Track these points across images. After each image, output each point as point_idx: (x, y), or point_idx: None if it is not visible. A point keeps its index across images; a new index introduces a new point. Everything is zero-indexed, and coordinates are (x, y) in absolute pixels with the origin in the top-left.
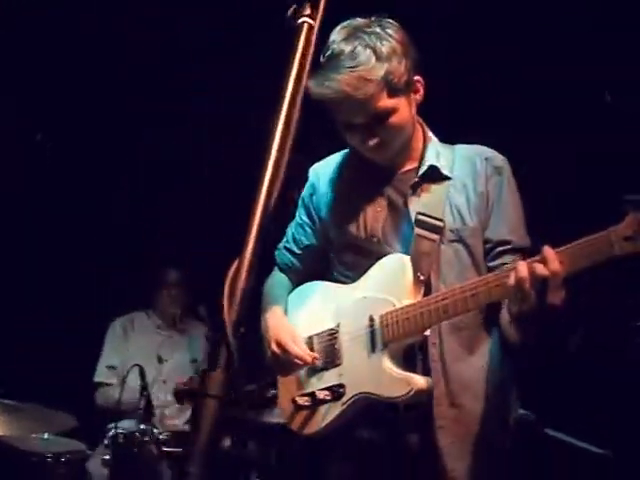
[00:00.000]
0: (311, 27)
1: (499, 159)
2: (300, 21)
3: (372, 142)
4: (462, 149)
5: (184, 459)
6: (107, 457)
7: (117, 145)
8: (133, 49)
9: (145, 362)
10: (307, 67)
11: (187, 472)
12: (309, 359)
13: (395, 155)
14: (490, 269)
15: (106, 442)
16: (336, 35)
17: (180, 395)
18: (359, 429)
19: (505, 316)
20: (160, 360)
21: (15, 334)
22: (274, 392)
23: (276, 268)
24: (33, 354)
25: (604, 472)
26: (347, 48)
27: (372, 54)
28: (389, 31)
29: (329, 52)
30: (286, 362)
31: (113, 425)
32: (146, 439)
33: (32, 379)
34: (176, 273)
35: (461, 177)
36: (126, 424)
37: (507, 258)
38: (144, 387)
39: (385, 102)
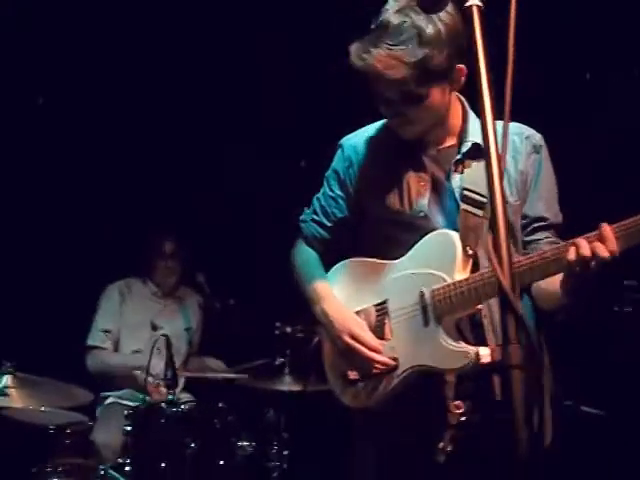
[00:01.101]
0: (480, 9)
1: (537, 137)
2: (468, 4)
3: (398, 119)
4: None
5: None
6: (128, 428)
7: (114, 109)
8: None
9: (139, 329)
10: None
11: None
12: (381, 349)
13: (426, 132)
14: (525, 244)
15: (126, 413)
16: (391, 3)
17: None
18: (409, 403)
19: (541, 283)
20: (154, 327)
21: (12, 303)
22: (282, 361)
23: (301, 241)
24: (28, 322)
25: (599, 432)
26: (394, 22)
27: (415, 35)
28: (442, 14)
29: (378, 20)
30: (357, 354)
31: (107, 394)
32: (173, 410)
33: (30, 348)
34: (172, 244)
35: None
36: (127, 394)
37: (541, 234)
38: (170, 357)
39: (415, 87)
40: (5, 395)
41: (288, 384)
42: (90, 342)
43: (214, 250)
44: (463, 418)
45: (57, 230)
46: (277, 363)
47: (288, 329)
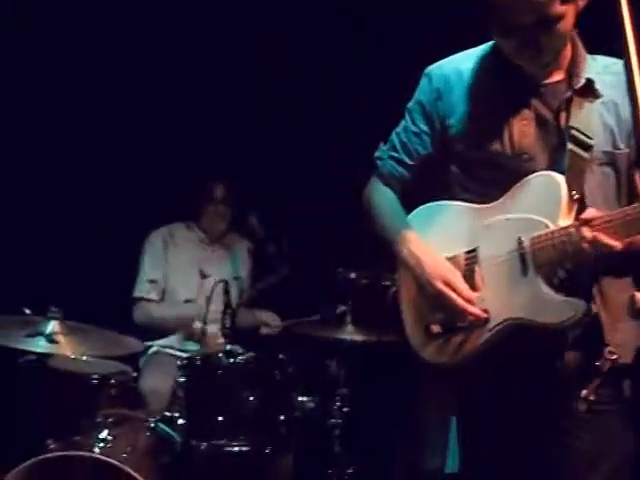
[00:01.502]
0: None
1: None
2: None
3: (526, 49)
4: (611, 64)
5: None
6: (181, 379)
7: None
8: None
9: (187, 277)
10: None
11: None
12: (475, 300)
13: (549, 64)
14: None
15: (179, 363)
16: None
17: None
18: (504, 357)
19: None
20: (203, 275)
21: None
22: (343, 309)
23: (377, 180)
24: (76, 270)
25: None
26: None
27: None
28: None
29: None
30: (448, 303)
31: (150, 344)
32: (231, 361)
33: (78, 296)
34: (223, 189)
35: (612, 95)
36: (170, 342)
37: None
38: (227, 304)
39: (558, 7)
40: (53, 342)
41: (350, 333)
42: (136, 293)
43: (267, 189)
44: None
45: (104, 173)
46: (338, 312)
47: (352, 275)
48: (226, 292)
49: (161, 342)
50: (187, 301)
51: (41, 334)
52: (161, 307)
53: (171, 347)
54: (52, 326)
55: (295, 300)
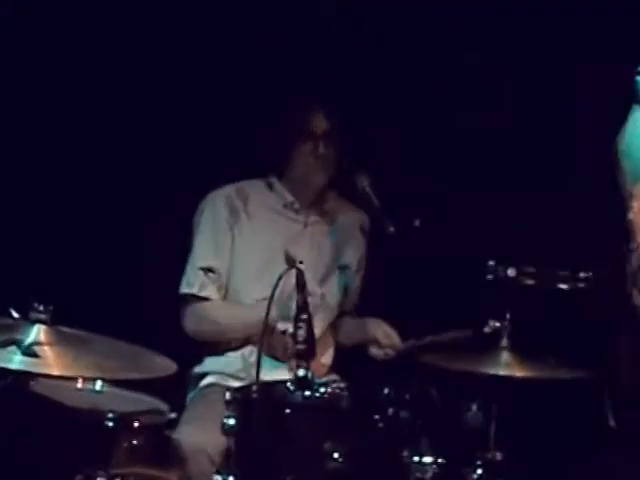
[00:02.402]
0: None
1: None
2: None
3: None
4: None
5: None
6: (231, 421)
7: None
8: None
9: (266, 264)
10: None
11: None
12: None
13: None
14: None
15: (228, 396)
16: None
17: None
18: None
19: None
20: (291, 262)
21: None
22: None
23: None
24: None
25: None
26: None
27: None
28: None
29: None
30: None
31: (202, 370)
32: (306, 395)
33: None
34: (324, 120)
35: None
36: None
37: None
38: (302, 306)
39: None
40: (34, 356)
41: (506, 365)
42: (184, 289)
43: (383, 140)
44: None
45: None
46: (487, 330)
47: (510, 272)
48: (300, 285)
49: (220, 366)
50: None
51: (17, 344)
52: (220, 306)
53: (236, 376)
54: (34, 332)
55: (421, 309)
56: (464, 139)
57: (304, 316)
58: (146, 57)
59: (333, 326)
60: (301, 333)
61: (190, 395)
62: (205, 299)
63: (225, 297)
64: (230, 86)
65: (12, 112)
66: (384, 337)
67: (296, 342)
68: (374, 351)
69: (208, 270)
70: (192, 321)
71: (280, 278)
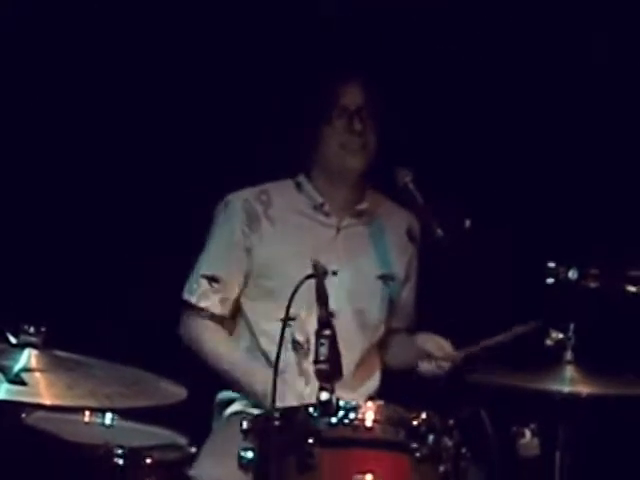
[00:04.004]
0: None
1: None
2: None
3: None
4: None
5: None
6: (249, 454)
7: None
8: None
9: (290, 275)
10: None
11: None
12: None
13: None
14: None
15: (245, 425)
16: None
17: None
18: None
19: None
20: (320, 273)
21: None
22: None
23: None
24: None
25: None
26: None
27: None
28: None
29: None
30: None
31: (227, 396)
32: (333, 422)
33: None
34: (361, 93)
35: None
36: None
37: None
38: (325, 320)
39: None
40: (23, 384)
41: (571, 381)
42: (185, 295)
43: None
44: None
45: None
46: (549, 342)
47: (572, 274)
48: (320, 296)
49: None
50: (290, 320)
51: (3, 370)
52: (219, 343)
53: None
54: (25, 357)
55: (473, 320)
56: (519, 133)
57: (326, 332)
58: (157, 54)
59: (379, 347)
60: (323, 351)
61: (215, 424)
62: (203, 310)
63: (234, 314)
64: (250, 83)
65: (11, 116)
66: (437, 349)
67: (317, 362)
68: (424, 366)
69: (212, 279)
70: (185, 334)
71: (295, 292)
